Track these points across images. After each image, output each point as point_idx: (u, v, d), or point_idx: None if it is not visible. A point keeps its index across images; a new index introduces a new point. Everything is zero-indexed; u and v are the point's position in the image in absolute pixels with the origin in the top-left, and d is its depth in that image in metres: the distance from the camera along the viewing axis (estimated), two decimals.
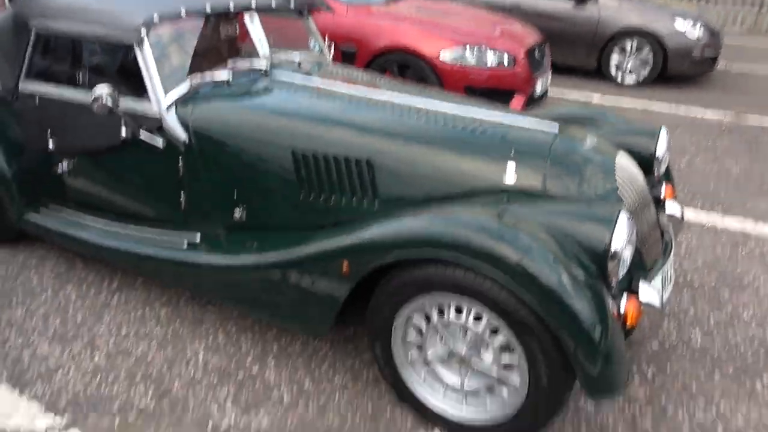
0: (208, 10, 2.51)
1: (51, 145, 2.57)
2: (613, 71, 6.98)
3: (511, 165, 1.96)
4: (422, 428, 1.89)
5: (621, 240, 1.64)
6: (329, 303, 1.86)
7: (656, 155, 2.41)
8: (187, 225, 2.41)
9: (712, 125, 5.54)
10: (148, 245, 2.40)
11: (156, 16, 2.27)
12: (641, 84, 6.89)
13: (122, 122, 2.31)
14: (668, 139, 2.46)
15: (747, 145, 5.01)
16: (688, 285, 2.77)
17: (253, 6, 2.71)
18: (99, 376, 2.09)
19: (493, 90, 4.68)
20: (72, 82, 2.52)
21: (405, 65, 4.69)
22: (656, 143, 2.41)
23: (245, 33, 2.77)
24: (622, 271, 1.71)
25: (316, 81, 2.50)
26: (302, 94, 2.36)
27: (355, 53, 4.75)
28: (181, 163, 2.31)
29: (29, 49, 2.50)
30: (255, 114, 2.24)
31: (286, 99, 2.35)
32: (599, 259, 1.64)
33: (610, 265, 1.64)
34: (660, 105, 6.13)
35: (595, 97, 6.37)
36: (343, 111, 2.22)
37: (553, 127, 2.13)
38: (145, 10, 2.30)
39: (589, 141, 2.12)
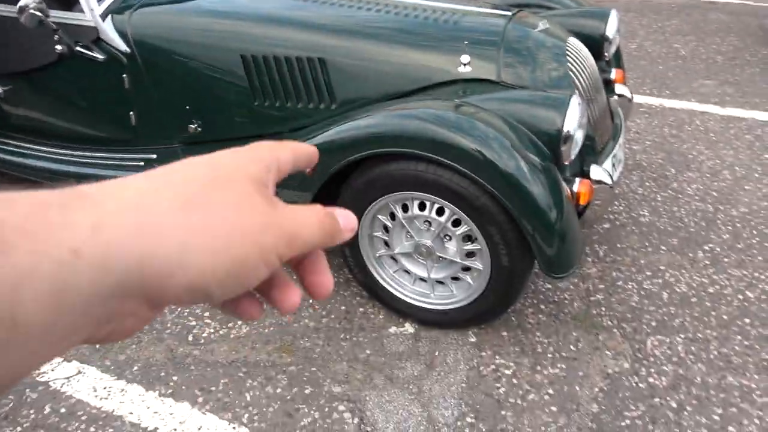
0: None
1: None
2: None
3: (464, 56, 1.94)
4: (393, 323, 2.00)
5: (573, 123, 1.68)
6: (306, 195, 1.87)
7: (606, 37, 2.42)
8: (140, 143, 2.34)
9: (660, 6, 5.53)
10: (102, 168, 2.35)
11: None
12: None
13: (55, 36, 2.16)
14: (618, 21, 2.46)
15: (693, 25, 5.05)
16: (637, 166, 2.89)
17: None
18: None
19: None
20: None
21: None
22: (606, 25, 2.41)
23: None
24: (574, 153, 1.77)
25: None
26: None
27: None
28: (125, 76, 2.20)
29: None
30: (198, 17, 2.13)
31: (228, 0, 2.23)
32: (553, 142, 1.69)
33: (563, 147, 1.69)
34: None
35: None
36: (289, 8, 2.13)
37: (505, 14, 2.10)
38: None
39: (541, 26, 2.11)
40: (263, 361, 1.85)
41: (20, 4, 1.99)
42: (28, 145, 2.51)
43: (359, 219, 1.86)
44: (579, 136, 1.74)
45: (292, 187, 1.89)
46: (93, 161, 2.38)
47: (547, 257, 1.63)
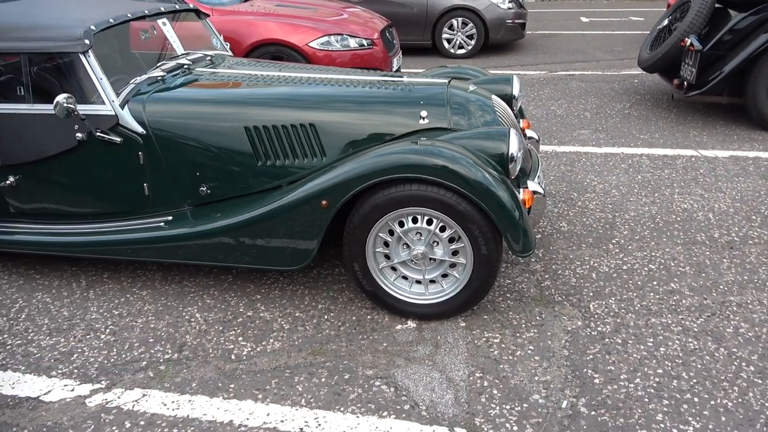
0: (130, 16, 2.80)
1: None
2: (446, 45, 7.99)
3: (423, 111, 2.58)
4: (398, 322, 2.47)
5: (515, 146, 2.34)
6: (315, 233, 2.34)
7: (514, 95, 3.20)
8: (153, 209, 2.71)
9: (534, 81, 6.71)
10: (119, 233, 2.67)
11: (93, 26, 2.54)
12: (471, 55, 7.98)
13: (77, 126, 2.55)
14: (520, 83, 3.26)
15: (561, 92, 6.20)
16: (549, 194, 3.64)
17: (162, 9, 3.04)
18: (114, 348, 2.36)
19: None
20: (10, 97, 2.65)
21: (277, 57, 5.14)
22: (512, 86, 3.20)
23: (158, 39, 3.08)
24: (517, 170, 2.41)
25: (236, 69, 2.95)
26: (234, 81, 2.79)
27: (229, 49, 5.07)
28: (141, 154, 2.61)
29: None
30: (206, 102, 2.62)
31: (225, 87, 2.75)
32: (502, 162, 2.33)
33: (511, 166, 2.34)
34: (491, 70, 7.22)
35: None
36: (284, 89, 2.69)
37: (443, 82, 2.80)
38: (80, 22, 2.55)
39: (471, 88, 2.83)
40: (302, 363, 2.23)
41: (56, 99, 2.39)
42: (43, 227, 2.78)
43: (365, 238, 2.35)
44: (520, 156, 2.40)
45: (306, 226, 2.35)
46: (109, 230, 2.70)
47: (515, 245, 2.22)
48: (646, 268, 2.80)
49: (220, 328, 2.47)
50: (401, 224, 2.35)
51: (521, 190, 2.42)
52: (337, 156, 2.58)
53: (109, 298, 2.70)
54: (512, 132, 2.38)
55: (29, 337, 2.45)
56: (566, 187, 3.74)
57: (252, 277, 2.82)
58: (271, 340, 2.37)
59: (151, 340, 2.41)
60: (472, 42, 7.94)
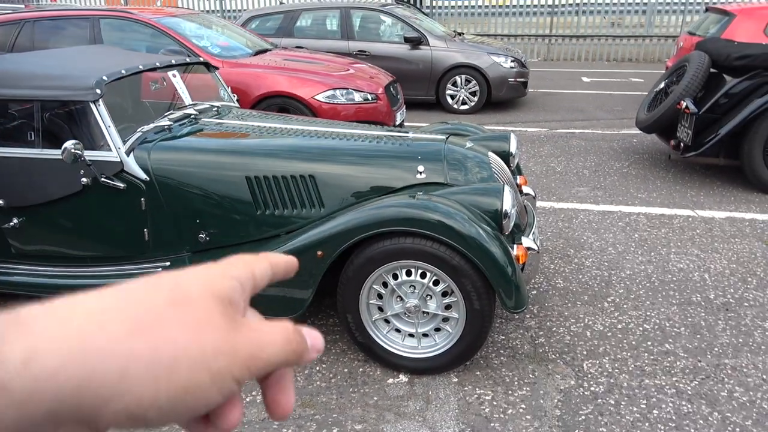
0: (141, 67, 2.91)
1: (0, 203, 2.74)
2: (449, 101, 8.19)
3: (420, 166, 2.64)
4: (389, 375, 2.45)
5: (508, 203, 2.39)
6: (309, 283, 2.36)
7: (510, 152, 3.27)
8: (151, 255, 2.75)
9: (534, 137, 6.84)
10: (116, 278, 2.70)
11: (105, 77, 2.64)
12: (473, 111, 8.18)
13: (82, 171, 2.61)
14: (517, 141, 3.34)
15: (561, 149, 6.31)
16: (546, 250, 3.66)
17: (173, 62, 3.17)
18: None
19: (362, 123, 5.44)
20: (20, 141, 2.73)
21: (284, 108, 5.28)
22: (509, 144, 3.28)
23: (168, 89, 3.20)
24: (511, 227, 2.45)
25: (241, 120, 3.04)
26: (239, 132, 2.87)
27: (237, 100, 5.22)
28: (143, 200, 2.66)
29: None
30: (209, 152, 2.69)
31: (229, 137, 2.84)
32: (496, 218, 2.37)
33: (504, 222, 2.38)
34: (492, 126, 7.38)
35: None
36: (284, 142, 2.77)
37: (441, 138, 2.87)
38: (93, 72, 2.65)
39: (468, 145, 2.90)
40: (291, 415, 2.21)
41: (64, 145, 2.46)
42: (42, 269, 2.81)
43: (359, 290, 2.37)
44: (514, 213, 2.44)
45: (301, 276, 2.39)
46: (106, 274, 2.73)
47: (508, 301, 2.23)
48: (641, 328, 2.79)
49: None
50: (395, 277, 2.37)
51: (515, 246, 2.45)
52: (335, 207, 2.63)
53: None
54: (506, 188, 2.43)
55: None
56: (563, 244, 3.77)
57: None
58: (258, 389, 2.35)
59: None
60: (475, 99, 8.14)
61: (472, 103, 8.17)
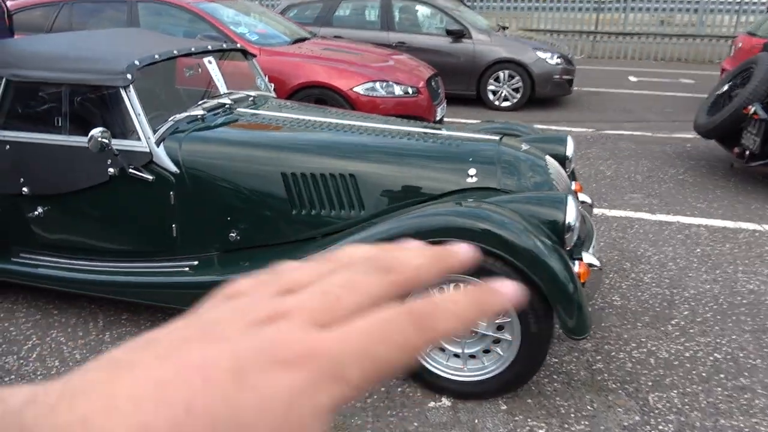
0: (176, 53, 2.73)
1: (25, 190, 2.60)
2: (491, 97, 7.89)
3: (472, 169, 2.40)
4: (431, 398, 2.23)
5: (572, 215, 2.13)
6: None
7: (567, 156, 3.00)
8: (178, 252, 2.57)
9: (580, 138, 6.51)
10: (142, 275, 2.53)
11: (137, 61, 2.46)
12: (515, 108, 7.86)
13: (110, 161, 2.45)
14: (574, 143, 3.06)
15: (610, 152, 5.97)
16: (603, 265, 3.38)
17: (209, 48, 2.98)
18: None
19: (401, 117, 5.20)
20: (45, 126, 2.59)
21: (321, 99, 5.08)
22: (566, 146, 3.00)
23: (203, 77, 3.02)
24: (573, 241, 2.20)
25: (278, 112, 2.84)
26: (276, 124, 2.67)
27: (274, 89, 5.04)
28: (172, 194, 2.49)
29: None
30: (244, 146, 2.50)
31: (265, 130, 2.64)
32: (558, 231, 2.11)
33: (567, 236, 2.12)
34: (535, 125, 7.05)
35: (478, 122, 7.17)
36: (323, 137, 2.55)
37: (494, 138, 2.62)
38: (125, 56, 2.48)
39: (524, 147, 2.64)
40: None
41: (91, 133, 2.30)
42: (67, 261, 2.67)
43: None
44: (577, 226, 2.18)
45: None
46: (133, 270, 2.56)
47: (569, 321, 1.98)
48: (711, 357, 2.50)
49: None
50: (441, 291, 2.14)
51: (576, 262, 2.20)
52: (376, 209, 2.41)
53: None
54: (570, 199, 2.17)
55: (36, 381, 2.28)
56: (618, 256, 3.48)
57: None
58: None
59: None
60: (518, 95, 7.82)
61: (515, 100, 7.85)
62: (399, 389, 2.27)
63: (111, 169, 2.47)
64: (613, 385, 2.31)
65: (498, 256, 1.99)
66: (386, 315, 0.24)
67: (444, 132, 2.68)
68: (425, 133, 2.64)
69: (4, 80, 2.54)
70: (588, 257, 2.30)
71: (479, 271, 2.01)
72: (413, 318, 0.24)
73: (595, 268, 2.29)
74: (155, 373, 0.21)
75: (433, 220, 2.06)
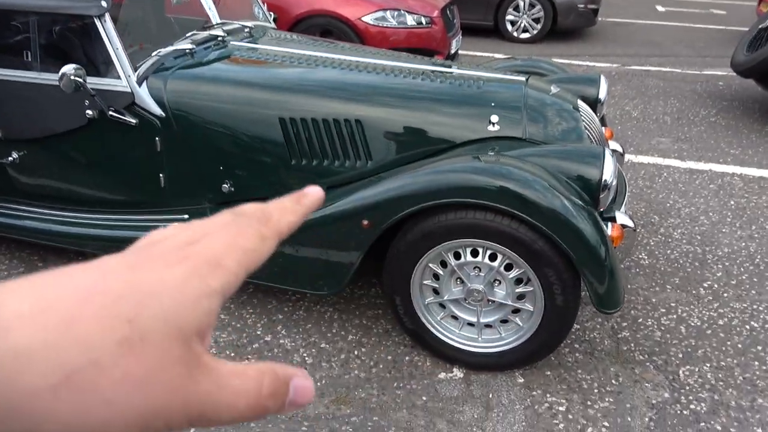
0: None
1: None
2: (509, 28, 7.38)
3: (494, 116, 2.12)
4: (441, 369, 2.05)
5: (609, 172, 1.87)
6: (349, 259, 1.94)
7: (599, 99, 2.69)
8: (168, 204, 2.35)
9: (604, 74, 6.08)
10: (129, 229, 2.33)
11: None
12: (535, 40, 7.36)
13: (87, 102, 2.18)
14: (607, 85, 2.74)
15: (636, 90, 5.58)
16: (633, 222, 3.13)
17: None
18: None
19: (414, 50, 4.82)
20: (18, 63, 2.31)
21: (327, 30, 4.70)
22: (598, 88, 2.69)
23: (193, 5, 2.69)
24: (608, 201, 1.95)
25: (275, 47, 2.52)
26: (273, 61, 2.37)
27: (275, 19, 4.66)
28: (158, 140, 2.23)
29: None
30: (236, 86, 2.22)
31: (261, 67, 2.34)
32: (591, 190, 1.86)
33: (602, 196, 1.87)
34: (556, 59, 6.61)
35: (495, 55, 6.73)
36: (326, 75, 2.26)
37: (520, 79, 2.32)
38: None
39: (554, 90, 2.34)
40: (323, 414, 1.85)
41: (62, 70, 2.02)
42: (49, 212, 2.46)
43: (412, 269, 1.93)
44: (614, 185, 1.92)
45: (341, 247, 1.95)
46: (119, 224, 2.36)
47: (599, 293, 1.76)
48: (747, 326, 2.30)
49: (232, 354, 2.10)
50: (457, 256, 1.92)
51: (608, 224, 1.95)
52: (384, 160, 2.15)
53: None
54: (607, 153, 1.90)
55: None
56: (645, 208, 3.22)
57: (275, 290, 2.44)
58: None
59: None
60: (538, 26, 7.31)
61: (535, 32, 7.35)
62: (407, 358, 2.09)
63: (89, 111, 2.21)
64: (641, 357, 2.12)
65: (521, 219, 1.74)
66: (239, 219, 0.31)
67: (463, 71, 2.37)
68: (441, 72, 2.34)
69: None
70: (621, 217, 2.05)
71: (507, 239, 1.78)
72: (257, 216, 0.31)
73: (629, 230, 2.06)
74: (65, 273, 0.25)
75: (448, 178, 1.80)
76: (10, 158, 2.42)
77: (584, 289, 1.83)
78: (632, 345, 2.18)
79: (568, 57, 6.74)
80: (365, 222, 1.87)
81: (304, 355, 2.10)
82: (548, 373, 2.04)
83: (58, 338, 0.22)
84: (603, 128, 2.75)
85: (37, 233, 2.45)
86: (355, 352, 2.12)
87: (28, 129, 2.35)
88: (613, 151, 2.68)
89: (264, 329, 2.23)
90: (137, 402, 0.24)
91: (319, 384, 1.97)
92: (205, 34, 2.51)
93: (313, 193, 0.36)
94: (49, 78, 2.21)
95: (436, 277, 1.98)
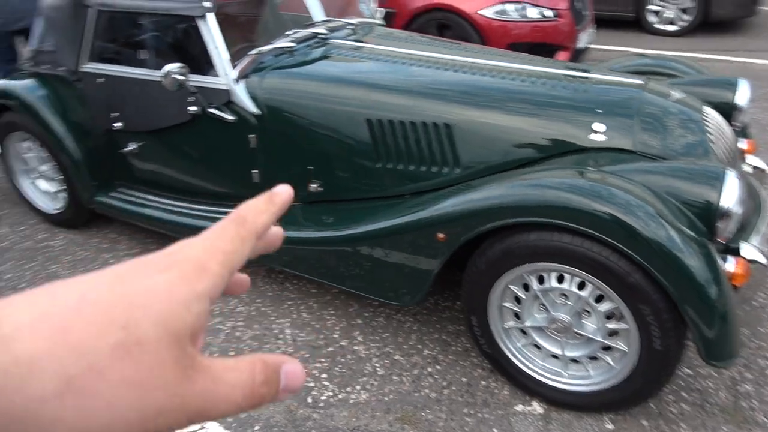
0: None
1: (118, 125, 2.55)
2: (653, 19, 6.72)
3: (598, 124, 1.89)
4: (519, 400, 1.88)
5: (732, 198, 1.57)
6: (423, 273, 1.84)
7: (737, 106, 2.31)
8: None
9: (761, 74, 5.33)
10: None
11: None
12: (683, 33, 6.63)
13: (189, 99, 2.28)
14: (751, 90, 2.35)
15: None
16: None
17: None
18: None
19: (537, 45, 4.53)
20: (135, 60, 2.48)
21: (444, 25, 4.57)
22: (735, 92, 2.31)
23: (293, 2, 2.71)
24: (732, 231, 1.65)
25: (378, 45, 2.46)
26: (370, 60, 2.31)
27: (393, 14, 4.62)
28: (252, 137, 2.28)
29: (90, 28, 2.47)
30: (327, 83, 2.19)
31: (356, 66, 2.29)
32: (707, 217, 1.58)
33: (720, 224, 1.58)
34: (706, 54, 5.91)
35: (633, 50, 6.15)
36: (416, 75, 2.16)
37: (636, 82, 2.06)
38: None
39: (676, 95, 2.05)
40: (386, 431, 1.77)
41: (165, 69, 2.12)
42: (150, 197, 2.62)
43: (490, 288, 1.78)
44: (739, 213, 1.62)
45: (418, 257, 1.85)
46: (212, 215, 2.44)
47: (707, 340, 1.50)
48: None
49: (307, 355, 2.09)
50: (541, 280, 1.73)
51: (731, 258, 1.65)
52: (473, 168, 2.01)
53: None
54: (730, 175, 1.61)
55: None
56: None
57: (358, 294, 2.39)
58: (358, 388, 1.94)
59: (233, 352, 2.11)
60: (688, 17, 6.57)
61: (683, 23, 6.61)
62: (483, 383, 1.95)
63: (192, 108, 2.30)
64: (763, 419, 1.78)
65: (618, 250, 1.52)
66: (218, 225, 0.31)
67: (572, 72, 2.14)
68: (545, 72, 2.13)
69: (94, 9, 2.43)
70: (749, 250, 1.73)
71: (598, 268, 1.57)
72: (232, 218, 0.32)
73: (760, 266, 1.73)
74: (59, 286, 0.26)
75: (541, 194, 1.61)
76: (130, 147, 2.60)
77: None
78: (754, 402, 1.84)
79: (722, 52, 5.98)
80: (440, 235, 1.75)
81: (376, 365, 2.04)
82: (644, 422, 1.78)
83: (56, 346, 0.24)
84: (743, 140, 2.37)
85: (144, 218, 2.62)
86: (429, 369, 2.01)
87: (143, 122, 2.52)
88: (755, 168, 2.30)
89: (341, 333, 2.19)
90: (137, 403, 0.25)
91: (385, 399, 1.89)
92: (306, 32, 2.51)
93: (283, 191, 0.36)
94: (158, 75, 2.33)
95: (517, 300, 1.81)
